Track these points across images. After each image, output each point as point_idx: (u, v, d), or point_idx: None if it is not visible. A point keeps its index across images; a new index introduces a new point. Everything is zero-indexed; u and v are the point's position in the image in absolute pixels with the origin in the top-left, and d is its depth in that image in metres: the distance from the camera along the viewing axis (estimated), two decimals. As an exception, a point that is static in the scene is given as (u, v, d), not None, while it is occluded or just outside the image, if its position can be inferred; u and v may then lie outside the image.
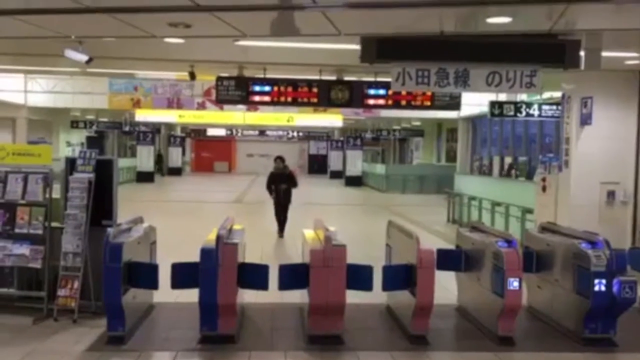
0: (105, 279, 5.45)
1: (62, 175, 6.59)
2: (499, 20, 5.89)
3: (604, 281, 5.58)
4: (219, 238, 5.51)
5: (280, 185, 12.27)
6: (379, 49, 6.48)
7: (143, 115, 24.90)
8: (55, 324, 6.04)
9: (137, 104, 22.45)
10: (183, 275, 5.67)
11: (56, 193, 6.60)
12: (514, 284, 5.56)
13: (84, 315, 6.16)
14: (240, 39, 7.17)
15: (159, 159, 35.63)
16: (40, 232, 6.37)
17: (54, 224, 6.44)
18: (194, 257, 5.57)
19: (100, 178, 6.44)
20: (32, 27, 6.28)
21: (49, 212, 6.41)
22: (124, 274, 5.53)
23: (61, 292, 6.20)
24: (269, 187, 12.44)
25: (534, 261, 6.58)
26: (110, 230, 5.71)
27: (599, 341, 5.73)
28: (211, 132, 42.05)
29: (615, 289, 5.59)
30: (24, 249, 6.33)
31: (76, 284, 6.19)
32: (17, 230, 6.38)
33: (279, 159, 12.59)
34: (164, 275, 5.88)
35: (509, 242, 5.87)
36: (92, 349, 5.39)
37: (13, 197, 6.43)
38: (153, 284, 5.94)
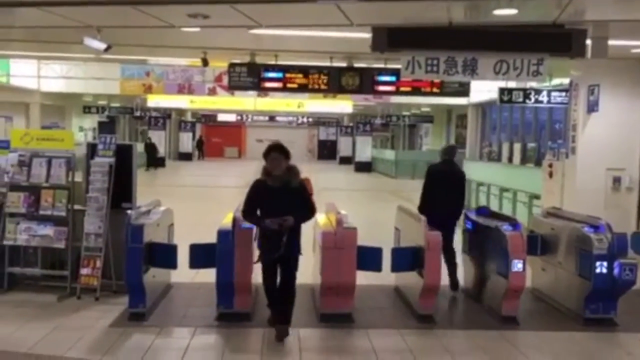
0: (128, 258, 5.71)
1: (83, 160, 6.86)
2: (505, 12, 6.05)
3: (605, 264, 5.78)
4: (234, 220, 5.76)
5: (277, 211, 5.20)
6: (390, 39, 6.68)
7: (155, 101, 25.17)
8: (79, 302, 6.32)
9: (148, 89, 22.72)
10: (201, 255, 5.93)
11: (78, 177, 6.86)
12: (518, 265, 5.77)
13: (105, 294, 6.43)
14: (254, 28, 7.37)
15: (149, 149, 28.38)
16: (63, 214, 6.64)
17: (76, 207, 6.70)
18: (207, 239, 5.86)
19: (120, 162, 6.69)
20: (56, 17, 6.50)
21: (71, 195, 6.67)
22: (145, 254, 5.80)
23: (84, 271, 6.47)
24: (249, 216, 5.42)
25: (539, 244, 6.76)
26: (131, 212, 5.98)
27: (600, 321, 5.93)
28: (221, 117, 42.24)
29: (616, 271, 5.78)
30: (48, 230, 6.61)
31: (98, 264, 6.47)
32: (41, 212, 6.65)
33: (277, 150, 5.30)
34: (181, 256, 6.14)
35: (514, 225, 6.07)
36: (115, 324, 5.66)
37: (37, 180, 6.69)
38: (172, 264, 6.20)
